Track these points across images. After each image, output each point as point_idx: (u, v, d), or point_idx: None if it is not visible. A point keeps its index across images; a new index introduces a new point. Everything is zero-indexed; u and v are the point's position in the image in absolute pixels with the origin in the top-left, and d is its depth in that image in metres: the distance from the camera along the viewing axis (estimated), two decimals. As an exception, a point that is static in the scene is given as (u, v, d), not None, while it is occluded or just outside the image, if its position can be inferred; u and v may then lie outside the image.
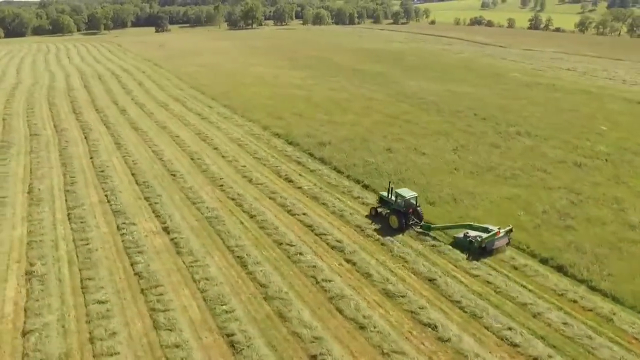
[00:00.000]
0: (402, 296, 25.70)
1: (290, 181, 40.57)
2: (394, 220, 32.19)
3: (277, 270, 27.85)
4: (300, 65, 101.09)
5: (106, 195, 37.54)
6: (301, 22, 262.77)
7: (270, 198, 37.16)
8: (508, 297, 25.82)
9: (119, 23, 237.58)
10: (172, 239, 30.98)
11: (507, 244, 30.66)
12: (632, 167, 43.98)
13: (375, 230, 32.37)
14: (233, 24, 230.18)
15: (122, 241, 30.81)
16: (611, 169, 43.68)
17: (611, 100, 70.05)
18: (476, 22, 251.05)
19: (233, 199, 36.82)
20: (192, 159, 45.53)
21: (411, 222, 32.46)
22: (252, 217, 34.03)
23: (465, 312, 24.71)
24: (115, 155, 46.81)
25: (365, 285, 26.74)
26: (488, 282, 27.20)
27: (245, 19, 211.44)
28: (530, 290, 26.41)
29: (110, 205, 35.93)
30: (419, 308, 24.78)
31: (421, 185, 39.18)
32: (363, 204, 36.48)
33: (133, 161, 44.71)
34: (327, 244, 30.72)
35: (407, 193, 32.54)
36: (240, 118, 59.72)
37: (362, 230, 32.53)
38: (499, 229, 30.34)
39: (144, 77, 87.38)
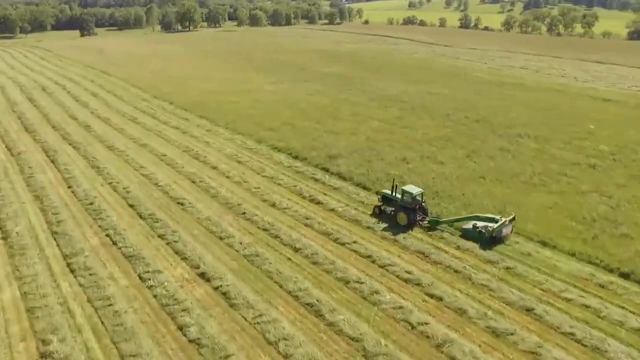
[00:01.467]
0: (510, 334, 22.37)
1: (319, 203, 35.93)
2: (402, 218, 31.89)
3: (360, 316, 23.44)
4: (264, 68, 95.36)
5: (108, 236, 31.01)
6: (235, 23, 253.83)
7: (306, 225, 32.42)
8: (616, 322, 23.27)
9: (36, 26, 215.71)
10: (216, 288, 25.53)
11: (511, 231, 30.85)
12: (641, 166, 43.72)
13: (443, 256, 28.75)
14: (166, 27, 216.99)
15: (155, 296, 24.92)
16: (623, 169, 43.08)
17: (579, 98, 71.31)
18: (409, 21, 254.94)
19: (265, 230, 31.68)
20: (193, 181, 39.48)
21: (419, 217, 32.16)
22: (297, 250, 29.20)
23: (585, 345, 21.81)
24: (99, 182, 39.65)
25: (464, 324, 23.09)
26: (585, 305, 24.53)
27: (182, 21, 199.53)
28: (633, 312, 24.04)
29: (119, 248, 29.56)
30: (537, 347, 21.57)
31: (458, 197, 36.28)
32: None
33: (124, 189, 37.92)
34: (398, 276, 26.72)
35: (414, 189, 32.51)
36: (225, 130, 53.74)
37: (427, 256, 28.80)
38: (504, 218, 30.45)
39: (96, 87, 77.85)
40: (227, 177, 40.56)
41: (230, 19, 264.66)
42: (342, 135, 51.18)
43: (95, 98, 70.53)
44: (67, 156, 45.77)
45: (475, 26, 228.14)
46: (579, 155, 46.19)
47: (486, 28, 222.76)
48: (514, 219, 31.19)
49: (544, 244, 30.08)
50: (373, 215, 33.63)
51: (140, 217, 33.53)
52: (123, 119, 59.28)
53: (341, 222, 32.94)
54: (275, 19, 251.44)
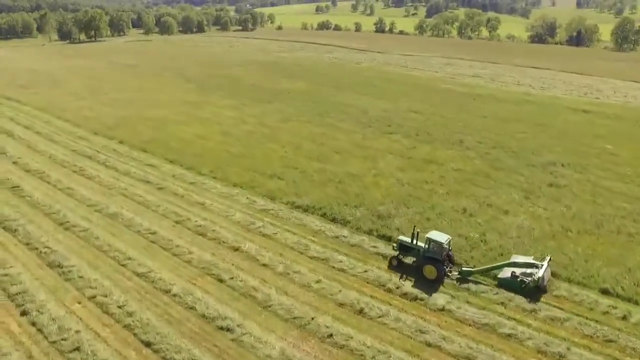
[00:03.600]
0: None
1: (417, 298, 25.33)
2: (431, 271, 26.77)
3: None
4: (209, 87, 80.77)
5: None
6: (142, 31, 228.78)
7: (428, 345, 21.74)
8: None
9: None
10: None
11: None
12: None
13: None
14: (64, 37, 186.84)
15: None
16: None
17: (561, 110, 67.58)
18: (324, 26, 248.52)
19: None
20: (220, 280, 26.69)
21: (447, 269, 27.30)
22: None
23: None
24: (70, 298, 25.27)
25: None
26: None
27: (86, 30, 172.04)
28: None
29: None
30: None
31: (564, 263, 28.23)
32: (551, 319, 23.67)
33: (120, 308, 24.23)
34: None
35: (442, 237, 27.48)
36: (214, 182, 40.53)
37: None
38: (544, 261, 26.94)
39: (8, 122, 58.70)
40: (264, 265, 28.25)
41: (134, 26, 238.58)
42: (367, 179, 40.72)
43: (11, 139, 52.38)
44: (3, 250, 30.07)
45: (391, 30, 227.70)
46: (630, 186, 40.52)
47: (401, 32, 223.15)
48: (550, 259, 27.40)
49: None
50: (390, 267, 28.10)
51: (174, 368, 20.54)
52: (64, 170, 43.24)
53: (464, 330, 22.78)
54: (187, 26, 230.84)
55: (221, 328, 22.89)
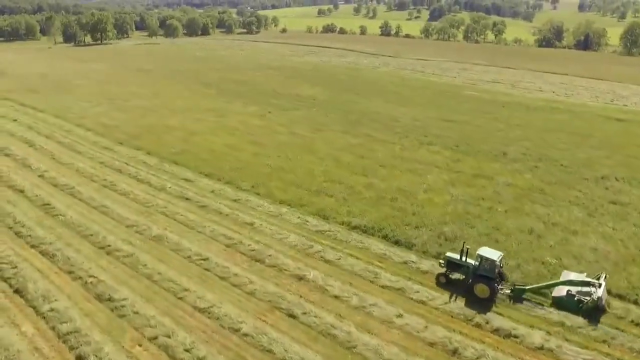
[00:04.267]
0: None
1: (511, 335, 22.80)
2: (483, 290, 25.45)
3: None
4: (233, 94, 77.89)
5: None
6: (145, 33, 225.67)
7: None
8: None
9: None
10: None
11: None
12: None
13: None
14: (69, 39, 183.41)
15: None
16: None
17: (595, 119, 65.31)
18: (328, 29, 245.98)
19: None
20: (292, 316, 24.00)
21: (499, 286, 26.05)
22: None
23: None
24: (125, 340, 22.50)
25: None
26: None
27: (92, 33, 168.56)
28: None
29: None
30: None
31: None
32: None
33: (187, 351, 21.63)
34: None
35: (494, 254, 26.01)
36: (258, 198, 37.80)
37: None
38: (601, 279, 25.54)
39: (26, 130, 55.77)
40: (335, 296, 25.49)
41: (137, 28, 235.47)
42: (420, 196, 38.13)
43: (33, 149, 49.60)
44: (44, 279, 27.22)
45: (397, 34, 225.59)
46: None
47: (407, 36, 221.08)
48: (606, 278, 26.03)
49: None
50: (438, 284, 26.88)
51: None
52: (94, 185, 40.45)
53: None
54: (192, 29, 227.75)
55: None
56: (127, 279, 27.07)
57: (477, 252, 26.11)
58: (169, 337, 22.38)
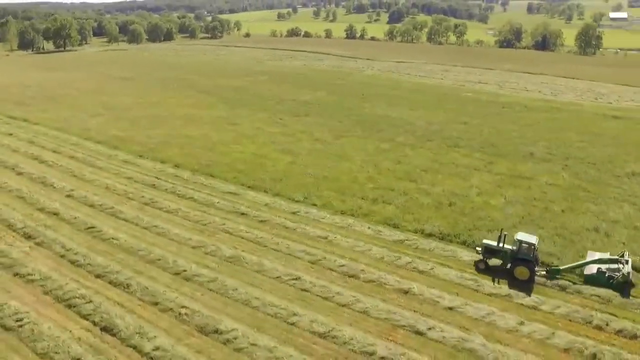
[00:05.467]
0: None
1: (637, 337, 22.79)
2: (523, 272, 27.18)
3: None
4: (234, 101, 75.01)
5: None
6: (105, 39, 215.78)
7: None
8: None
9: None
10: None
11: None
12: None
13: None
14: (26, 46, 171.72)
15: None
16: None
17: (592, 117, 67.80)
18: (294, 33, 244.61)
19: None
20: (419, 333, 22.92)
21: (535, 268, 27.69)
22: None
23: None
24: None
25: None
26: None
27: (55, 39, 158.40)
28: None
29: None
30: None
31: None
32: None
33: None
34: None
35: (531, 238, 27.96)
36: (317, 209, 36.26)
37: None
38: (626, 256, 27.74)
39: (27, 145, 51.25)
40: (449, 308, 24.62)
41: (94, 34, 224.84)
42: (475, 199, 38.00)
43: (46, 166, 45.53)
44: (131, 314, 24.52)
45: (362, 36, 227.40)
46: None
47: (372, 38, 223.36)
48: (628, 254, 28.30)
49: None
50: (477, 270, 28.32)
51: None
52: (133, 204, 37.46)
53: None
54: (154, 34, 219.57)
55: (468, 399, 19.31)
56: (222, 307, 24.95)
57: (515, 237, 27.86)
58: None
